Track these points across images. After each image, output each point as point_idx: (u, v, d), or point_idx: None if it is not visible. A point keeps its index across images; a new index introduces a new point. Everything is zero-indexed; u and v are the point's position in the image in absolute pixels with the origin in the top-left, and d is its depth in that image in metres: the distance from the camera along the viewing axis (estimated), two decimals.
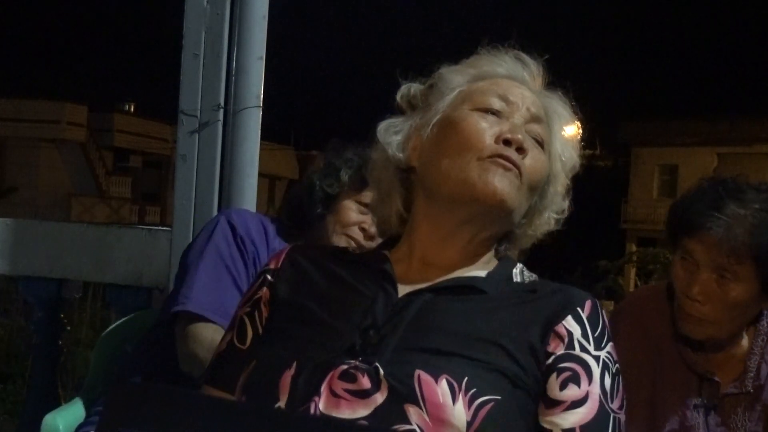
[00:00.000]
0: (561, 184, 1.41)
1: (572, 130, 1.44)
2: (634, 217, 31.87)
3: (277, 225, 2.14)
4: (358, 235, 2.07)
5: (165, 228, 2.79)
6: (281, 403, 1.22)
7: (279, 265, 1.43)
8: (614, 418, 1.25)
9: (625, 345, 1.93)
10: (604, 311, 1.34)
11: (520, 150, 1.32)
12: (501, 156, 1.30)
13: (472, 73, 1.40)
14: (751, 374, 1.92)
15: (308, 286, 1.38)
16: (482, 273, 1.35)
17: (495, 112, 1.35)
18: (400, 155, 1.39)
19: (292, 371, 1.23)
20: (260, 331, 1.38)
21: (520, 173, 1.31)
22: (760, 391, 1.92)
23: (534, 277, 1.40)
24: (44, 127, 28.88)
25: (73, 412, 2.19)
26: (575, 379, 1.25)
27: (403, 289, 1.33)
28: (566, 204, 1.43)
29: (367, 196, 2.06)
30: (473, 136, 1.32)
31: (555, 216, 1.41)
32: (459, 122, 1.34)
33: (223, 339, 1.44)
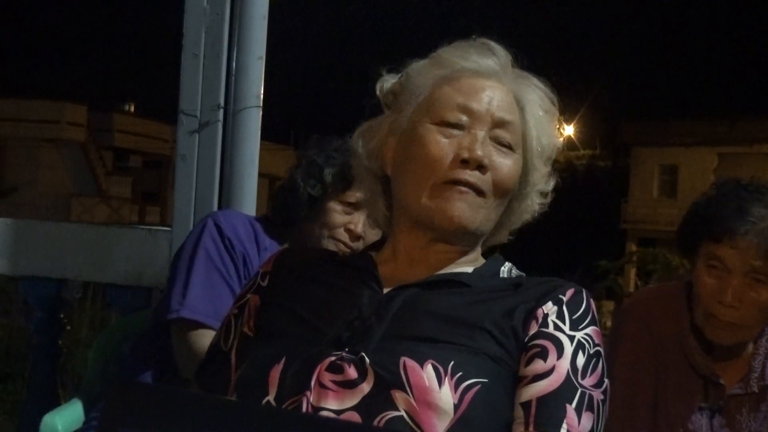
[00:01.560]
0: (540, 169, 1.40)
1: (549, 110, 1.40)
2: (634, 217, 31.84)
3: (265, 224, 2.14)
4: (345, 236, 2.05)
5: (165, 228, 2.79)
6: (270, 398, 1.23)
7: (270, 269, 1.45)
8: (583, 393, 1.23)
9: (629, 346, 1.93)
10: (592, 301, 1.33)
11: (481, 167, 1.31)
12: (457, 181, 1.30)
13: (436, 73, 1.38)
14: (756, 374, 1.92)
15: (297, 289, 1.39)
16: (469, 269, 1.37)
17: (456, 125, 1.33)
18: (374, 165, 1.40)
19: (280, 366, 1.25)
20: (241, 334, 1.40)
21: (482, 192, 1.31)
22: (765, 391, 1.92)
23: (522, 275, 1.41)
24: (44, 127, 28.84)
25: (72, 412, 2.19)
26: (542, 355, 1.25)
27: (389, 287, 1.35)
28: (550, 186, 1.42)
29: (352, 195, 2.05)
30: (431, 159, 1.32)
31: (539, 201, 1.42)
32: (419, 142, 1.34)
33: (215, 336, 1.47)
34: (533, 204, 1.41)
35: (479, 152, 1.31)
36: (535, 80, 1.41)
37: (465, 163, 1.31)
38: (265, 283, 1.43)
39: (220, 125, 2.54)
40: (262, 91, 2.56)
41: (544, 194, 1.42)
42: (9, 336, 6.79)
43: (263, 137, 2.61)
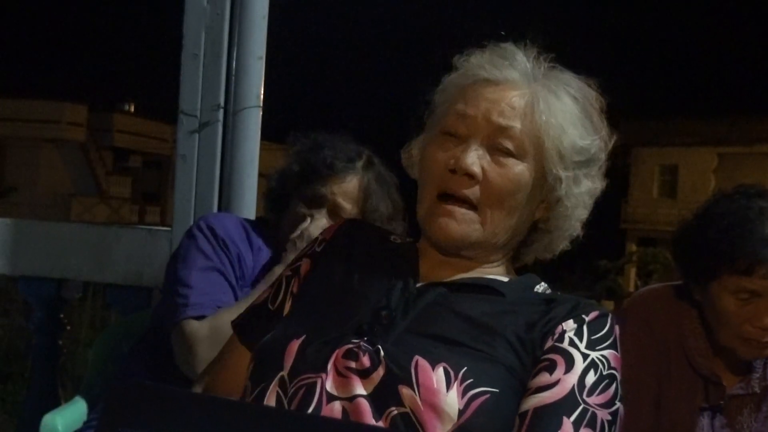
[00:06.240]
0: (560, 174, 1.33)
1: (578, 111, 1.33)
2: (634, 217, 31.86)
3: (256, 224, 2.15)
4: (301, 239, 2.00)
5: (165, 228, 2.79)
6: (284, 373, 1.25)
7: (329, 237, 1.47)
8: (586, 409, 1.20)
9: (630, 346, 1.92)
10: (617, 328, 1.30)
11: (470, 176, 1.29)
12: (446, 194, 1.30)
13: (456, 84, 1.37)
14: (758, 375, 1.92)
15: (343, 266, 1.41)
16: (504, 278, 1.37)
17: (455, 135, 1.32)
18: (414, 175, 1.42)
19: (299, 341, 1.26)
20: (288, 297, 1.43)
21: (472, 204, 1.30)
22: (766, 391, 1.92)
23: (557, 293, 1.39)
24: (44, 127, 28.89)
25: (72, 412, 2.18)
26: (550, 368, 1.24)
27: (424, 281, 1.35)
28: (583, 189, 1.36)
29: (310, 190, 2.03)
30: (427, 172, 1.34)
31: (575, 204, 1.36)
32: (424, 155, 1.36)
33: (262, 293, 1.49)
34: (572, 209, 1.36)
35: (467, 161, 1.29)
36: (568, 79, 1.36)
37: (453, 172, 1.30)
38: (320, 249, 1.45)
39: (220, 125, 2.55)
40: (262, 91, 2.56)
41: (593, 193, 1.37)
42: (9, 336, 6.81)
43: (263, 137, 2.60)
